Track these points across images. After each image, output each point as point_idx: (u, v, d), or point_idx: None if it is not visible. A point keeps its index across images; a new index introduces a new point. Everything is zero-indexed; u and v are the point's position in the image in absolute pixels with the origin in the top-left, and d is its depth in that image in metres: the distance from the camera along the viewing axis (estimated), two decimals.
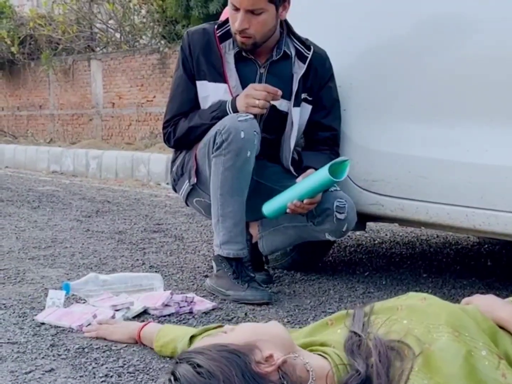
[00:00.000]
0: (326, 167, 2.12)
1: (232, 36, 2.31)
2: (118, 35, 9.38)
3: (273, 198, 2.27)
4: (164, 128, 2.41)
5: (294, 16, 2.47)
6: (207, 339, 1.29)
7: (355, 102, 2.42)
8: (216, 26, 2.34)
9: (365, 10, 2.38)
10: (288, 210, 2.21)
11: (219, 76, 2.31)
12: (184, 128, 2.35)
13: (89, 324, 1.89)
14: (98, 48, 9.70)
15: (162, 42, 8.26)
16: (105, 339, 1.81)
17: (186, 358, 1.15)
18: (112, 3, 9.02)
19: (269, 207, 2.27)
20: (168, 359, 1.66)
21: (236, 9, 2.22)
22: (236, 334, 1.23)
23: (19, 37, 9.98)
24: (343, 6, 2.47)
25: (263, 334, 1.22)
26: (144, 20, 8.79)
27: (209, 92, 2.33)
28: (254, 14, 2.21)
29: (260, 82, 2.33)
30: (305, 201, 2.18)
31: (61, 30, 9.58)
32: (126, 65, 8.63)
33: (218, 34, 2.33)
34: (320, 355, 1.27)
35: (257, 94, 2.22)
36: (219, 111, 2.26)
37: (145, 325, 1.78)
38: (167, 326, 1.78)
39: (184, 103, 2.37)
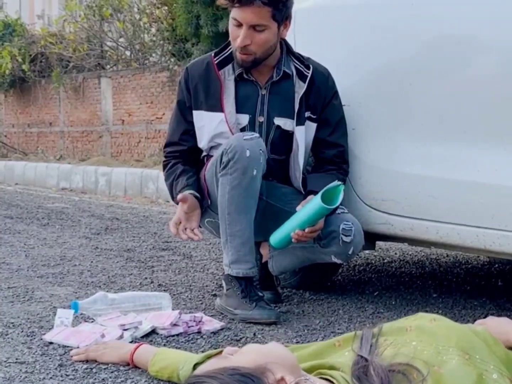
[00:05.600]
0: (319, 195, 2.11)
1: (231, 62, 2.33)
2: (128, 53, 9.46)
3: (278, 229, 2.26)
4: (164, 151, 2.47)
5: (302, 35, 2.48)
6: (214, 361, 1.27)
7: (364, 121, 2.41)
8: (213, 54, 2.36)
9: (374, 28, 2.39)
10: (293, 240, 2.22)
11: (216, 105, 2.32)
12: (168, 180, 2.40)
13: (77, 347, 1.84)
14: (108, 66, 9.78)
15: (172, 60, 8.32)
16: (95, 361, 1.76)
17: (197, 382, 1.13)
18: (122, 22, 9.11)
19: (275, 238, 2.27)
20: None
21: (239, 25, 2.23)
22: (244, 357, 1.21)
23: (30, 55, 10.08)
24: (352, 24, 2.47)
25: (272, 357, 1.21)
26: (154, 38, 8.86)
27: (204, 122, 2.34)
28: (257, 30, 2.22)
29: (262, 103, 2.34)
30: (306, 229, 2.17)
31: (72, 48, 9.67)
32: (135, 82, 8.69)
33: (216, 61, 2.33)
34: (327, 379, 1.25)
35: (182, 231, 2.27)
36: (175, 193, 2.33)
37: (138, 347, 1.72)
38: (163, 349, 1.73)
39: (175, 133, 2.43)
